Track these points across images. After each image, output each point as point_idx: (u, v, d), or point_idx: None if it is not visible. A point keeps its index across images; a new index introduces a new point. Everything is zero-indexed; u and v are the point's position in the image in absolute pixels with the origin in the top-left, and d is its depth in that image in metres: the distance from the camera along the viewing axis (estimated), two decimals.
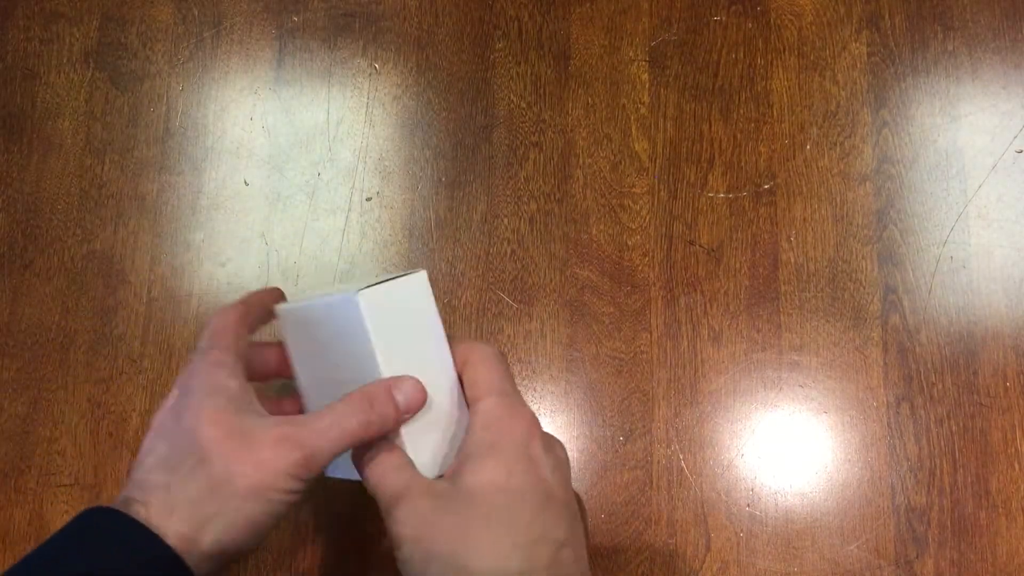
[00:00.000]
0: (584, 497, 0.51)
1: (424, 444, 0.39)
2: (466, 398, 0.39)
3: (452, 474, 0.37)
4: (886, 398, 0.52)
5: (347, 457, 0.40)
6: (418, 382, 0.38)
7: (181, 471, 0.36)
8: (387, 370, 0.38)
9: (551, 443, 0.39)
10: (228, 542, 0.35)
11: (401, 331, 0.38)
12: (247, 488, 0.35)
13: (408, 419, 0.38)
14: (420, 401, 0.38)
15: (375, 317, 0.37)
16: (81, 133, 0.57)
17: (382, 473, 0.38)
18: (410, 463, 0.38)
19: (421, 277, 0.40)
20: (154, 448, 0.37)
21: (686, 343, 0.53)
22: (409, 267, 0.54)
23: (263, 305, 0.44)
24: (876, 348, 0.52)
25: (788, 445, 0.51)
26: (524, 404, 0.39)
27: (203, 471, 0.35)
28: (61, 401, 0.53)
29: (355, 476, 0.40)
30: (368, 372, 0.38)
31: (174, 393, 0.39)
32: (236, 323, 0.41)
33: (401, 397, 0.38)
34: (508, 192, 0.55)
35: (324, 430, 0.36)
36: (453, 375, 0.40)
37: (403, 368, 0.38)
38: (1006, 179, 0.55)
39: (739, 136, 0.56)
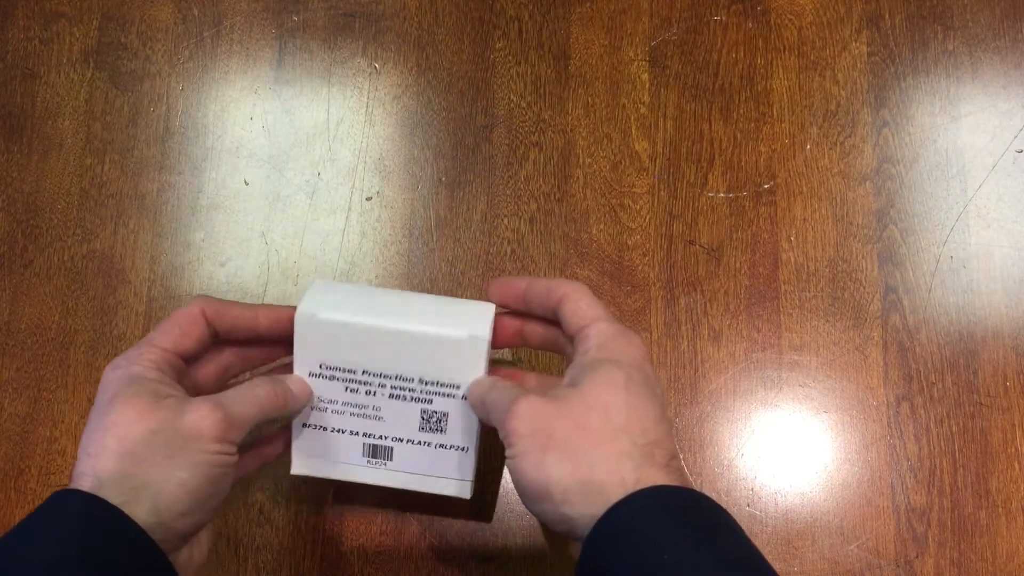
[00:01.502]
0: None
1: None
2: (569, 328, 0.41)
3: (568, 383, 0.39)
4: (886, 398, 0.52)
5: (314, 454, 0.44)
6: (304, 383, 0.43)
7: (106, 453, 0.36)
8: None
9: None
10: (164, 510, 0.36)
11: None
12: (172, 450, 0.36)
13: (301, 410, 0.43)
14: (307, 394, 0.43)
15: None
16: (81, 133, 0.57)
17: (498, 391, 0.40)
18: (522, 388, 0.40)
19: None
20: (83, 444, 0.38)
21: (686, 343, 0.53)
22: (409, 266, 0.54)
23: (243, 321, 0.43)
24: (876, 348, 0.52)
25: (788, 445, 0.51)
26: (632, 330, 0.40)
27: (123, 446, 0.36)
28: (61, 401, 0.53)
29: (320, 473, 0.44)
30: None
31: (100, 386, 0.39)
32: (190, 321, 0.41)
33: (294, 388, 0.42)
34: (508, 192, 0.55)
35: (239, 397, 0.39)
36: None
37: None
38: (1006, 179, 0.55)
39: (739, 136, 0.56)
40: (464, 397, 0.43)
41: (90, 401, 0.53)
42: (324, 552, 0.51)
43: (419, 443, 0.44)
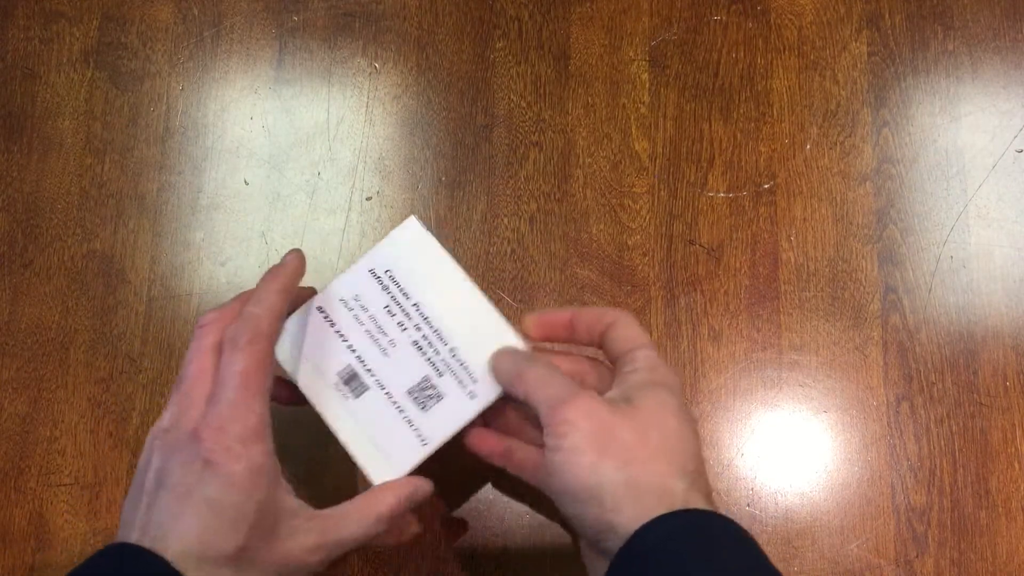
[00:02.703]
0: None
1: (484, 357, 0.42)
2: (614, 349, 0.41)
3: (619, 397, 0.38)
4: (886, 398, 0.52)
5: (297, 344, 0.42)
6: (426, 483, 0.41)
7: (207, 539, 0.35)
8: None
9: None
10: None
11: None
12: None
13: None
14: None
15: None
16: (81, 133, 0.57)
17: (547, 380, 0.38)
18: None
19: (412, 223, 0.44)
20: (172, 492, 0.35)
21: (686, 343, 0.53)
22: None
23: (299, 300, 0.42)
24: (876, 348, 0.52)
25: (788, 445, 0.51)
26: None
27: (230, 555, 0.35)
28: (61, 401, 0.53)
29: (287, 367, 0.41)
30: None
31: (205, 421, 0.36)
32: (275, 327, 0.38)
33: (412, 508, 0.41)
34: (508, 192, 0.55)
35: (354, 533, 0.38)
36: (484, 297, 0.43)
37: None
38: (1006, 179, 0.55)
39: (739, 136, 0.56)
40: (473, 396, 0.41)
41: (90, 401, 0.53)
42: None
43: (394, 403, 0.42)
